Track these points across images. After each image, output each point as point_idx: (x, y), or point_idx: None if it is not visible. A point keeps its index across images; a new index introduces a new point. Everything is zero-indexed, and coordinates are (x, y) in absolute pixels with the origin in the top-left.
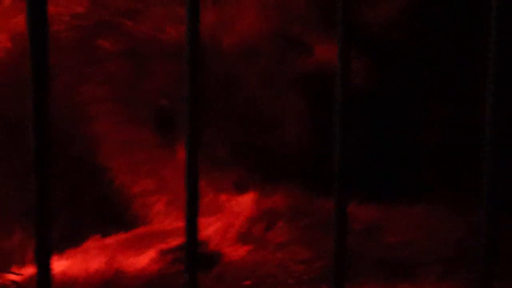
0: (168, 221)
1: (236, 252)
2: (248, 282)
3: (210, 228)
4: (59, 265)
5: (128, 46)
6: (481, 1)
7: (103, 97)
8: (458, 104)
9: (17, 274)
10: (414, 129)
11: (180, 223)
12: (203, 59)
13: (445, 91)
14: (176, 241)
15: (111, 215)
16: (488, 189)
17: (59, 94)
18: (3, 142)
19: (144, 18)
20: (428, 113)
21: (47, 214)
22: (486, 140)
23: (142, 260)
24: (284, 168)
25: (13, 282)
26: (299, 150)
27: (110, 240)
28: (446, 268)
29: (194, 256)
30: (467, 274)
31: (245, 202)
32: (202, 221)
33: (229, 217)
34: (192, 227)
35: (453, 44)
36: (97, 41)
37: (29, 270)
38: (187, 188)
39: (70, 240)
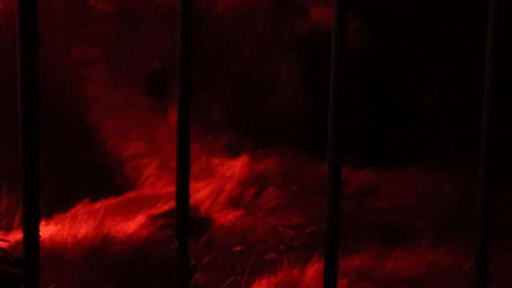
0: (159, 184)
1: (227, 217)
2: (238, 248)
3: (201, 193)
4: (47, 230)
5: (121, 7)
6: None
7: (95, 59)
8: (455, 68)
9: (4, 241)
10: (410, 93)
11: (171, 187)
12: (197, 21)
13: (442, 54)
14: (166, 206)
15: (101, 179)
16: (485, 154)
17: (50, 55)
18: None
19: None
20: (424, 77)
21: (35, 178)
22: (485, 106)
23: (132, 226)
24: (277, 132)
25: (0, 248)
26: (294, 113)
27: (99, 205)
28: (438, 232)
29: (185, 224)
30: (459, 238)
31: (237, 166)
32: (193, 185)
33: (220, 181)
34: (183, 191)
35: (450, 6)
36: (89, 1)
37: (17, 236)
38: (178, 152)
39: (60, 205)
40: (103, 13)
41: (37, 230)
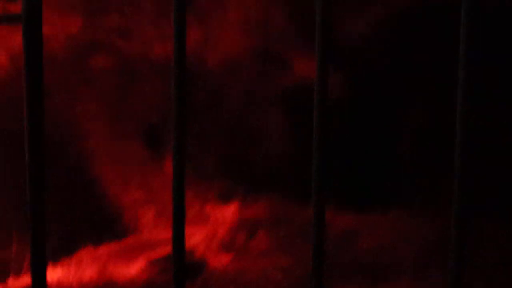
0: (156, 231)
1: (220, 261)
2: None
3: (195, 238)
4: (54, 274)
5: (119, 64)
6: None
7: (95, 114)
8: (429, 115)
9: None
10: (386, 139)
11: (168, 233)
12: (189, 76)
13: (416, 103)
14: (164, 251)
15: (103, 225)
16: (458, 194)
17: (54, 112)
18: (10, 156)
19: (134, 36)
20: (400, 123)
21: (42, 224)
22: (458, 149)
23: (132, 270)
24: (265, 179)
25: None
26: (280, 161)
27: (101, 250)
28: (417, 271)
29: (183, 267)
30: (436, 276)
31: (229, 212)
32: (188, 230)
33: (213, 226)
34: (179, 238)
35: (420, 59)
36: (90, 60)
37: (26, 280)
38: (174, 201)
39: (64, 250)
40: (102, 70)
41: (45, 276)
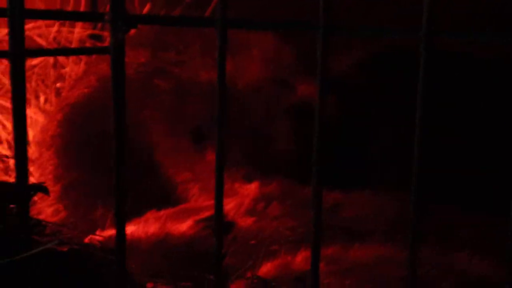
0: (200, 200)
1: (245, 222)
2: (253, 242)
3: (228, 206)
4: (127, 229)
5: (174, 85)
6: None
7: (157, 119)
8: (398, 126)
9: (100, 236)
10: (366, 141)
11: (209, 202)
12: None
13: (388, 113)
14: (206, 214)
15: (163, 196)
16: (414, 182)
17: (129, 116)
18: (94, 147)
19: (187, 66)
20: (376, 130)
21: (123, 194)
22: (416, 147)
23: (183, 226)
24: (277, 167)
25: (98, 241)
26: (288, 154)
27: (162, 213)
28: (385, 234)
29: (221, 225)
30: (399, 238)
31: (251, 189)
32: (223, 201)
33: (240, 198)
34: (219, 205)
35: (390, 88)
36: (154, 81)
37: (108, 233)
38: (216, 178)
39: (137, 213)
40: (163, 89)
41: (124, 228)
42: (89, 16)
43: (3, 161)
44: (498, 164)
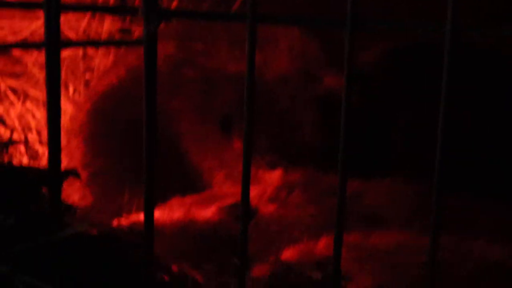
0: (225, 187)
1: (268, 209)
2: (275, 228)
3: (251, 193)
4: (154, 214)
5: (202, 75)
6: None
7: (185, 108)
8: (418, 115)
9: (127, 219)
10: (386, 131)
11: (233, 189)
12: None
13: (408, 108)
14: (230, 201)
15: (189, 183)
16: (437, 173)
17: (158, 106)
18: (119, 135)
19: (213, 56)
20: (396, 121)
21: (152, 179)
22: (439, 141)
23: (208, 213)
24: (301, 155)
25: (125, 225)
26: (313, 144)
27: (187, 199)
28: (404, 221)
29: (247, 211)
30: (419, 226)
31: (275, 176)
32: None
33: (264, 186)
34: (245, 191)
35: (413, 79)
36: (182, 71)
37: (134, 218)
38: (243, 166)
39: (162, 199)
40: (190, 79)
41: (153, 213)
42: (123, 9)
43: (30, 148)
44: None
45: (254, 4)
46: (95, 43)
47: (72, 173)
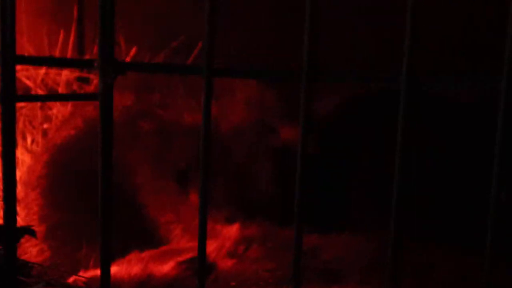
0: (182, 241)
1: (226, 264)
2: (233, 283)
3: (209, 247)
4: (111, 270)
5: (159, 127)
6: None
7: (142, 160)
8: (376, 167)
9: (83, 277)
10: (343, 183)
11: (190, 243)
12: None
13: (365, 158)
14: (187, 256)
15: (146, 237)
16: (394, 223)
17: (114, 158)
18: (77, 188)
19: (170, 108)
20: (354, 172)
21: (108, 234)
22: (394, 192)
23: (166, 267)
24: (258, 209)
25: (82, 282)
26: (269, 197)
27: (144, 254)
28: (364, 276)
29: (204, 266)
30: (377, 280)
31: (233, 231)
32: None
33: (222, 240)
34: (202, 247)
35: (369, 128)
36: (139, 123)
37: (91, 273)
38: (200, 219)
39: (120, 253)
40: (147, 131)
41: (109, 269)
42: (79, 63)
43: None
44: (474, 200)
45: (210, 57)
46: (51, 98)
47: (28, 231)
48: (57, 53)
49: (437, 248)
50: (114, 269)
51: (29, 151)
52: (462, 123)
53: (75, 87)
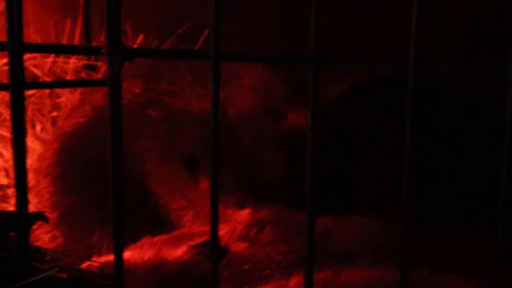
0: (193, 227)
1: (238, 247)
2: (246, 267)
3: (221, 231)
4: (124, 255)
5: (167, 114)
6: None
7: (151, 148)
8: (384, 152)
9: (96, 262)
10: (354, 167)
11: (202, 228)
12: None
13: (374, 143)
14: (199, 240)
15: (157, 223)
16: (406, 206)
17: (124, 146)
18: (90, 175)
19: (178, 96)
20: (363, 156)
21: (120, 220)
22: (405, 177)
23: (178, 252)
24: (268, 193)
25: (95, 267)
26: (278, 181)
27: (156, 239)
28: (374, 257)
29: (216, 250)
30: (388, 261)
31: (244, 215)
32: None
33: (234, 224)
34: (214, 230)
35: (376, 114)
36: (147, 111)
37: (105, 259)
38: (211, 205)
39: (132, 239)
40: (155, 118)
41: (122, 254)
42: (86, 49)
43: (1, 189)
44: (483, 185)
45: (217, 41)
46: (59, 84)
47: (40, 216)
48: (64, 43)
49: (447, 234)
50: (126, 254)
51: (39, 139)
52: (472, 110)
53: (83, 74)
